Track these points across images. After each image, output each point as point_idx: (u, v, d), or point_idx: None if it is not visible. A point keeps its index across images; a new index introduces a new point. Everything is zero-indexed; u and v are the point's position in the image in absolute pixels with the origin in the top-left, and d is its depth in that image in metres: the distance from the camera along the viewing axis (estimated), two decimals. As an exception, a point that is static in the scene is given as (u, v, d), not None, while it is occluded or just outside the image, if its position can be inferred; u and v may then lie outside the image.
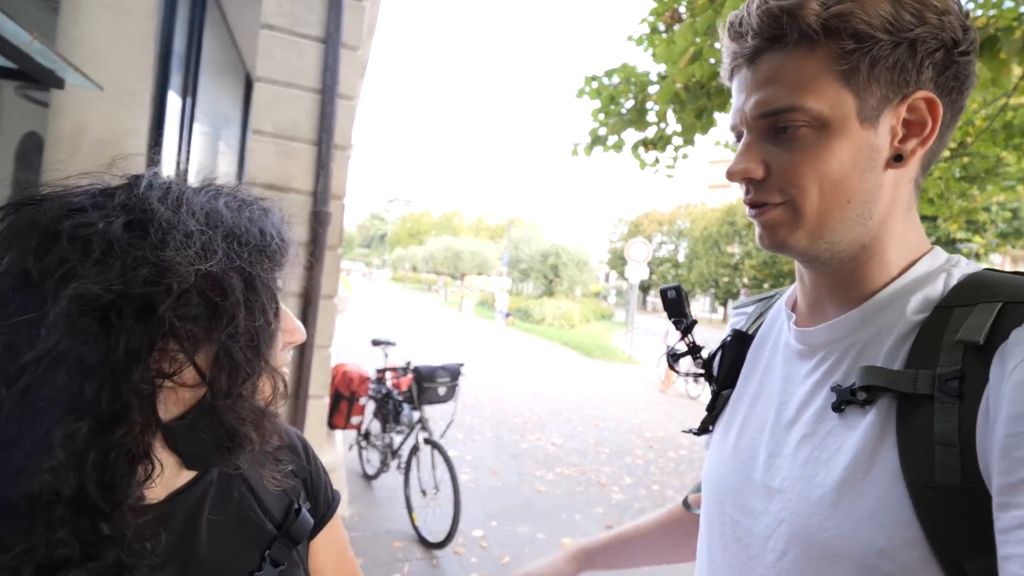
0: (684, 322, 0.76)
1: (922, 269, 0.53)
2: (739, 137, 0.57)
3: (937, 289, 0.51)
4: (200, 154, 4.15)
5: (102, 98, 2.14)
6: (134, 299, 0.41)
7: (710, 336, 0.82)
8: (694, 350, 0.77)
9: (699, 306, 45.26)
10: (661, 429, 7.24)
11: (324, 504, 0.67)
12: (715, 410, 0.72)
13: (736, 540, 0.59)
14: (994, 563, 0.40)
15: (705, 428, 0.73)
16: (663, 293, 0.78)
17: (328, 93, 2.91)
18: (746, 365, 0.69)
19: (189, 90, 3.59)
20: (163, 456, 0.47)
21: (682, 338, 0.77)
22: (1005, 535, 0.39)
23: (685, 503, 0.80)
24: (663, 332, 10.38)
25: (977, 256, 16.74)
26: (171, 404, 0.47)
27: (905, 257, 0.54)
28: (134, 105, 2.34)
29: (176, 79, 3.39)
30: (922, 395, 0.46)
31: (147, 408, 0.44)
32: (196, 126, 3.83)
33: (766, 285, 33.22)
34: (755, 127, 0.54)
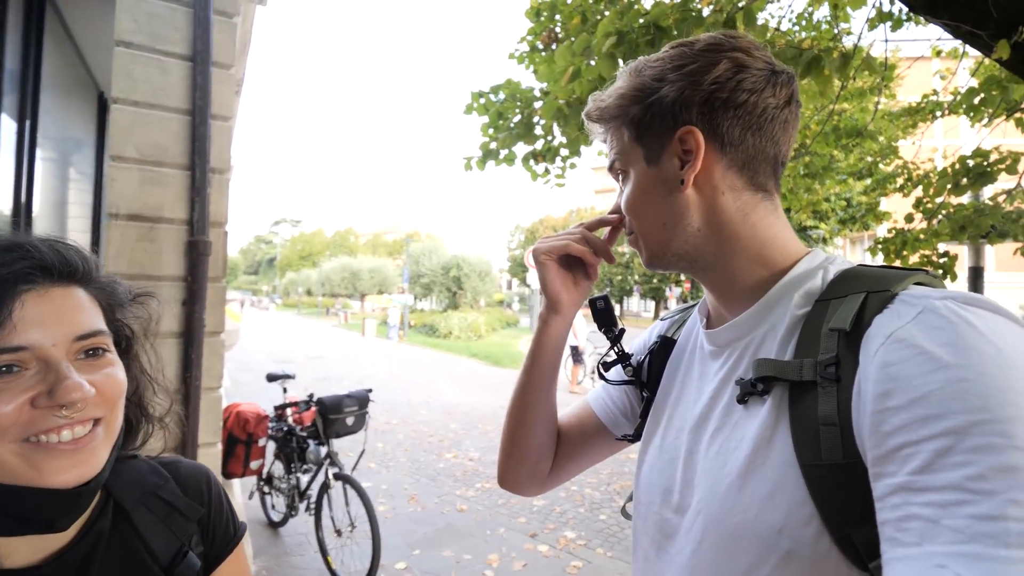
0: (614, 332, 0.80)
1: (802, 268, 0.60)
2: None
3: (816, 284, 0.57)
4: (46, 182, 3.65)
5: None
6: None
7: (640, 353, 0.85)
8: (623, 358, 0.80)
9: (597, 306, 47.42)
10: (573, 429, 7.48)
11: (221, 541, 0.69)
12: (647, 415, 0.75)
13: (666, 537, 0.63)
14: (876, 530, 0.44)
15: (639, 434, 0.76)
16: (592, 304, 0.82)
17: (200, 114, 2.69)
18: (668, 370, 0.74)
19: (28, 112, 3.15)
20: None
21: (612, 347, 0.80)
22: (880, 502, 0.43)
23: (623, 512, 0.82)
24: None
25: (824, 240, 19.25)
26: None
27: (781, 257, 0.61)
28: (-44, 132, 2.01)
29: (10, 100, 2.97)
30: (807, 381, 0.51)
31: None
32: (39, 152, 3.37)
33: (655, 280, 35.62)
34: (612, 177, 0.71)
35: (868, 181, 7.35)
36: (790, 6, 4.27)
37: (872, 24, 3.64)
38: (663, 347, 0.77)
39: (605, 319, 0.81)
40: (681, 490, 0.61)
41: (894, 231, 4.74)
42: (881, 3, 3.52)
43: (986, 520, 0.37)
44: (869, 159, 7.08)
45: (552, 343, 0.81)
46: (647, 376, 0.77)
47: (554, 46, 3.46)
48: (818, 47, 2.39)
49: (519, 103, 3.31)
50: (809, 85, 3.85)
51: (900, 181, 6.13)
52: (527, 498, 4.80)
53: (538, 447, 0.85)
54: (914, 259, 4.54)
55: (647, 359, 0.78)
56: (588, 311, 0.82)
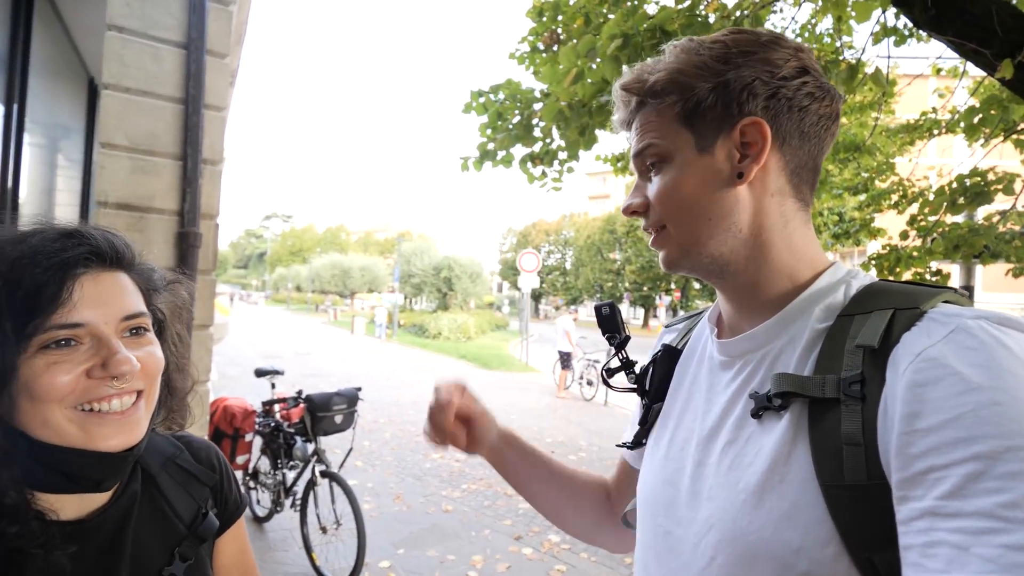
0: (618, 337, 0.78)
1: (825, 281, 0.58)
2: None
3: (838, 299, 0.55)
4: (34, 168, 3.57)
5: None
6: None
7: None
8: (628, 365, 0.78)
9: (586, 311, 47.59)
10: (561, 433, 7.46)
11: (232, 507, 0.78)
12: (647, 424, 0.73)
13: (669, 550, 0.60)
14: (899, 555, 0.42)
15: (638, 442, 0.75)
16: (597, 310, 0.81)
17: (193, 103, 2.64)
18: (674, 379, 0.72)
19: (15, 96, 3.08)
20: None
21: (616, 353, 0.79)
22: (904, 526, 0.42)
23: (624, 520, 0.81)
24: (560, 334, 10.75)
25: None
26: None
27: (807, 269, 0.59)
28: (-60, 112, 1.94)
29: (-4, 82, 2.89)
30: (830, 399, 0.49)
31: None
32: (26, 137, 3.29)
33: (645, 288, 35.77)
34: (636, 168, 0.64)
35: (863, 197, 7.38)
36: (793, 17, 4.28)
37: (877, 38, 3.65)
38: (667, 356, 0.75)
39: (609, 325, 0.79)
40: (687, 503, 0.59)
41: (888, 247, 4.77)
42: (886, 18, 3.54)
43: (1019, 550, 0.36)
44: (865, 175, 7.13)
45: (497, 463, 0.88)
46: (650, 384, 0.75)
47: (556, 47, 3.44)
48: (824, 58, 2.38)
49: (519, 104, 3.28)
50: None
51: (895, 198, 6.17)
52: (512, 500, 4.77)
53: (571, 509, 0.87)
54: (906, 276, 4.57)
55: (651, 367, 0.76)
56: (578, 316, 0.81)
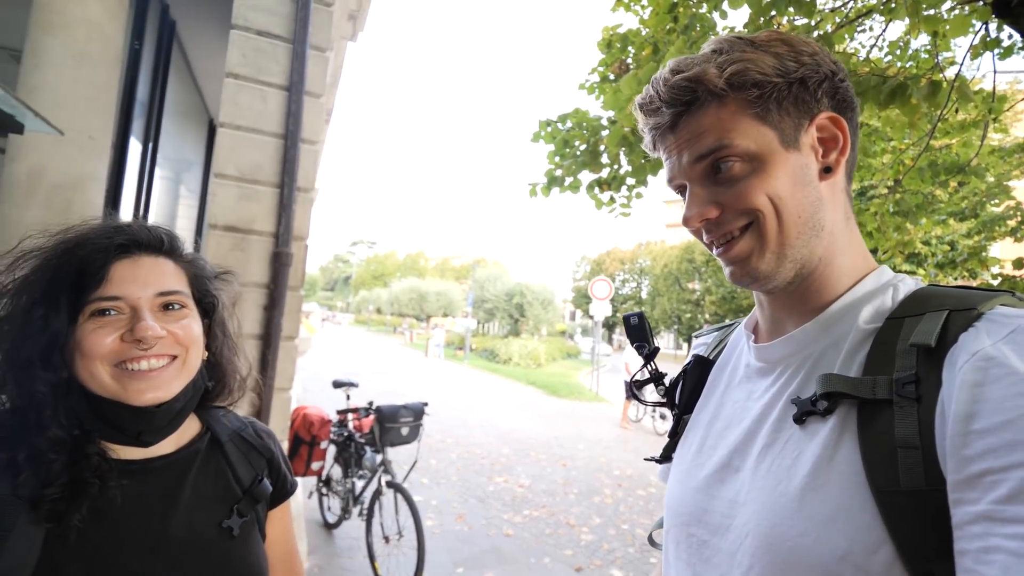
0: (646, 348, 0.76)
1: (870, 284, 0.56)
2: (682, 192, 0.62)
3: (887, 302, 0.54)
4: (161, 197, 4.11)
5: (60, 143, 2.13)
6: None
7: (674, 372, 0.79)
8: (657, 377, 0.76)
9: (663, 343, 45.88)
10: (629, 467, 7.23)
11: (284, 485, 0.87)
12: (677, 436, 0.71)
13: (704, 561, 0.58)
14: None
15: (668, 455, 0.73)
16: (626, 320, 0.79)
17: (291, 138, 2.96)
18: (706, 389, 0.70)
19: (151, 135, 3.59)
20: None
21: (644, 365, 0.76)
22: (959, 531, 0.40)
23: (650, 540, 0.78)
24: (623, 366, 10.55)
25: (919, 288, 17.65)
26: None
27: (853, 271, 0.57)
28: (94, 150, 2.33)
29: (138, 125, 3.39)
30: (881, 400, 0.47)
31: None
32: (157, 170, 3.81)
33: (727, 319, 34.05)
34: (694, 175, 0.59)
35: (973, 222, 6.73)
36: (881, 35, 4.09)
37: (975, 52, 3.41)
38: (698, 366, 0.73)
39: (637, 335, 0.77)
40: (723, 510, 0.57)
41: (1000, 277, 4.33)
42: (988, 30, 3.29)
43: None
44: (975, 198, 6.51)
45: None
46: (680, 396, 0.74)
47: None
48: (904, 74, 2.27)
49: (586, 131, 3.37)
50: (897, 116, 3.63)
51: (1012, 224, 5.59)
52: (574, 531, 4.69)
53: None
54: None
55: (681, 379, 0.75)
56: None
